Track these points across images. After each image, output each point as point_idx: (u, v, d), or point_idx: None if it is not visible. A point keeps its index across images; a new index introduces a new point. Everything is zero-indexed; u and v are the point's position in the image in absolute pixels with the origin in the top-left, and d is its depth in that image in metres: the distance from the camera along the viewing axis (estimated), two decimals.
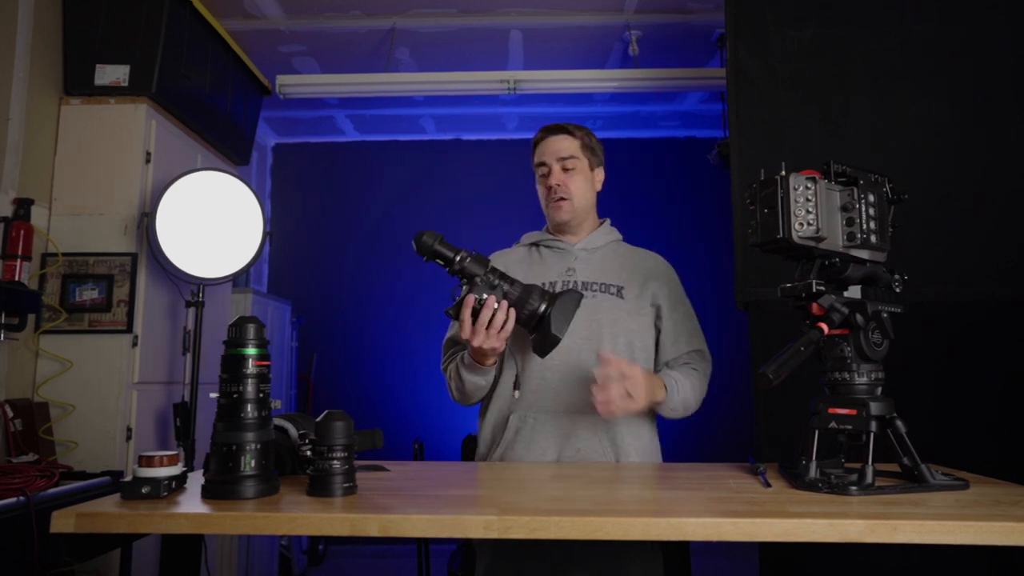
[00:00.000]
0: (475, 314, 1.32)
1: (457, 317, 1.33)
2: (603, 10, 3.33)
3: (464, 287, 1.32)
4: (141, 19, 2.55)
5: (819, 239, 1.12)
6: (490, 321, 1.31)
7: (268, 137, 4.89)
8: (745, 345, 2.17)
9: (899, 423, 1.14)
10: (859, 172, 1.19)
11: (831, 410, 1.16)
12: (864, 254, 1.18)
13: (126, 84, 2.52)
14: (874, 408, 1.12)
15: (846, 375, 1.17)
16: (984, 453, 1.95)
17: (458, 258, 1.31)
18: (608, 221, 1.73)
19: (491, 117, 4.59)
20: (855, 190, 1.15)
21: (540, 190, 1.66)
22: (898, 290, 1.21)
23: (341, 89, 3.50)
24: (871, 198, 1.16)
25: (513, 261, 1.67)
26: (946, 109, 2.20)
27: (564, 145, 1.64)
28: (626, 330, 1.55)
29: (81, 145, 2.51)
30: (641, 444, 1.53)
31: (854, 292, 1.19)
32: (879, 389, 1.17)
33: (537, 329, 1.33)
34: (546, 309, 1.30)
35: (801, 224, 1.11)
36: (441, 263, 1.32)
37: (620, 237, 1.72)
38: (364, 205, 4.88)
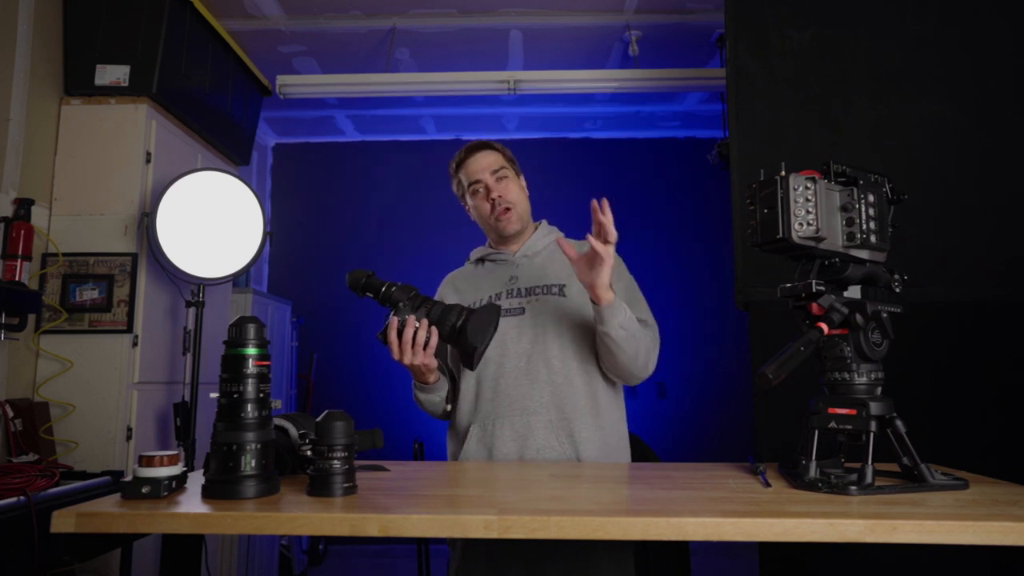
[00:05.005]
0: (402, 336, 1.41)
1: (386, 342, 1.41)
2: (603, 10, 3.33)
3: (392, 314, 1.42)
4: (141, 19, 2.55)
5: (819, 239, 1.12)
6: (413, 340, 1.38)
7: (268, 137, 4.89)
8: (745, 345, 2.17)
9: (899, 423, 1.14)
10: (859, 172, 1.19)
11: (831, 410, 1.16)
12: (864, 254, 1.18)
13: (126, 84, 2.53)
14: (874, 408, 1.12)
15: (846, 375, 1.17)
16: (984, 453, 1.95)
17: (383, 288, 1.42)
18: (545, 222, 1.75)
19: (491, 117, 4.59)
20: (855, 190, 1.15)
21: (480, 207, 1.66)
22: (898, 290, 1.21)
23: (341, 89, 3.50)
24: (871, 198, 1.17)
25: (462, 278, 1.72)
26: (946, 109, 2.20)
27: (491, 159, 1.66)
28: (571, 327, 1.56)
29: (81, 145, 2.51)
30: (600, 439, 1.53)
31: (854, 292, 1.19)
32: (879, 389, 1.17)
33: (457, 342, 1.42)
34: (463, 323, 1.40)
35: (801, 224, 1.11)
36: (371, 295, 1.43)
37: (560, 234, 1.73)
38: (364, 205, 4.88)
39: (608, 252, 1.35)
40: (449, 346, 1.62)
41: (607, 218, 1.34)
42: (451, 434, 1.65)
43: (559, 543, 1.30)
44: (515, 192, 1.66)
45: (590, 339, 1.57)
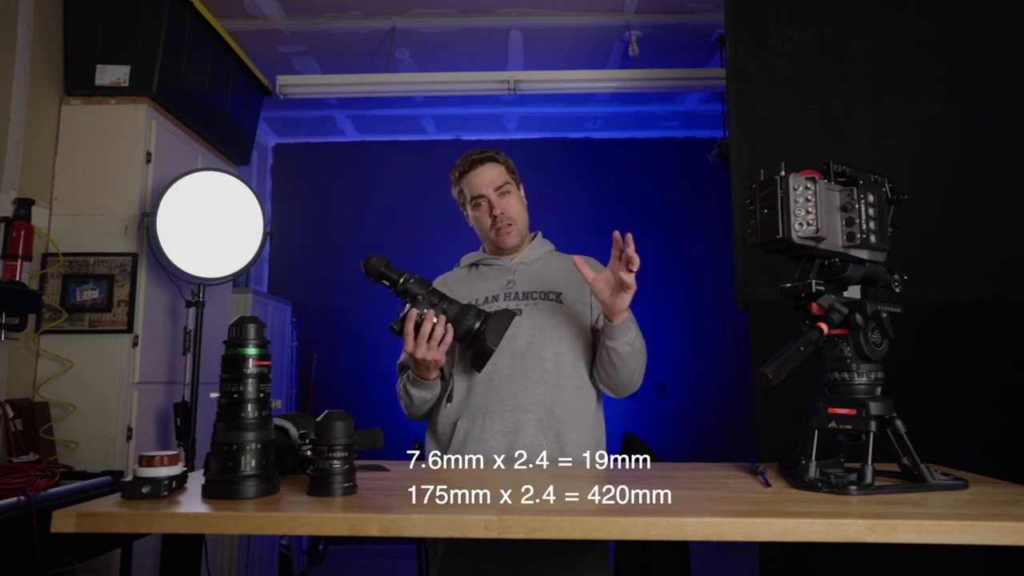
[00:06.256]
0: (418, 329, 1.42)
1: (401, 332, 1.43)
2: (603, 10, 3.33)
3: (407, 305, 1.43)
4: (142, 19, 2.55)
5: (819, 239, 1.12)
6: (430, 334, 1.41)
7: (268, 137, 4.89)
8: (745, 345, 2.17)
9: (898, 423, 1.14)
10: (859, 172, 1.19)
11: (831, 410, 1.16)
12: (864, 254, 1.18)
13: (126, 84, 2.53)
14: (873, 408, 1.12)
15: (845, 375, 1.17)
16: (984, 453, 1.95)
17: (401, 280, 1.43)
18: (540, 234, 1.79)
19: (491, 117, 4.59)
20: (855, 190, 1.15)
21: (481, 220, 1.69)
22: (898, 290, 1.21)
23: (341, 89, 3.50)
24: (871, 198, 1.17)
25: (455, 281, 1.73)
26: (946, 109, 2.20)
27: (495, 173, 1.67)
28: (568, 332, 1.60)
29: (82, 145, 2.51)
30: (584, 439, 1.56)
31: (854, 292, 1.19)
32: (879, 389, 1.17)
33: (473, 344, 1.44)
34: (480, 326, 1.42)
35: (801, 224, 1.11)
36: (387, 284, 1.44)
37: (553, 248, 1.78)
38: (364, 205, 4.88)
39: (633, 281, 1.40)
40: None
41: (631, 249, 1.38)
42: (432, 431, 1.65)
43: (540, 543, 1.30)
44: (516, 208, 1.69)
45: (584, 346, 1.61)
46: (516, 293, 1.64)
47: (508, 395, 1.55)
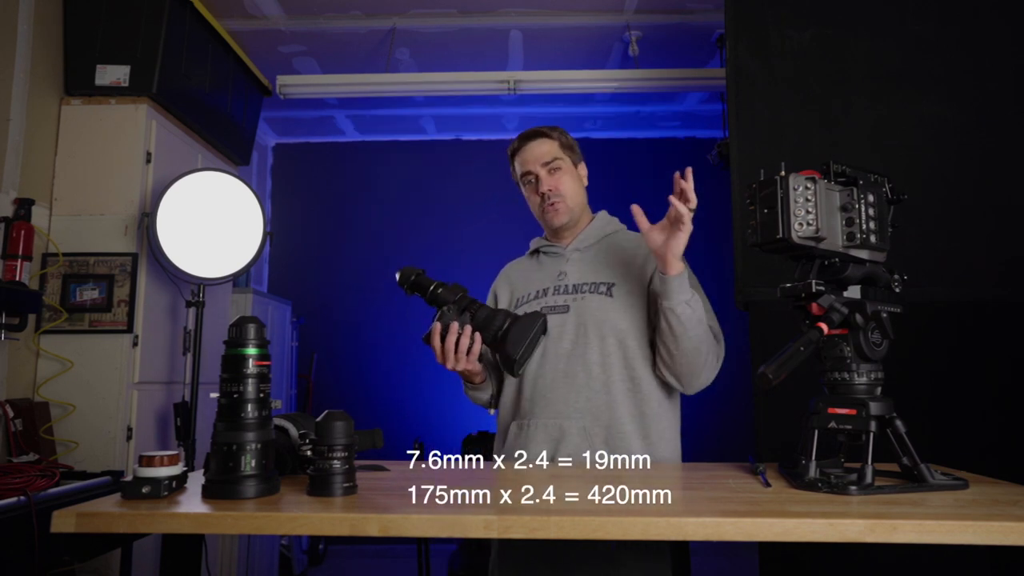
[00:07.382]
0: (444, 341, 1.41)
1: (430, 343, 1.41)
2: (603, 10, 3.33)
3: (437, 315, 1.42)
4: (142, 19, 2.55)
5: (819, 239, 1.12)
6: (456, 345, 1.39)
7: (268, 137, 4.89)
8: (745, 345, 2.17)
9: (898, 423, 1.14)
10: (859, 172, 1.19)
11: (831, 410, 1.16)
12: (864, 254, 1.18)
13: (127, 84, 2.53)
14: (873, 408, 1.12)
15: (845, 375, 1.17)
16: (984, 453, 1.95)
17: (431, 288, 1.42)
18: (604, 213, 1.70)
19: (491, 117, 4.59)
20: (855, 190, 1.15)
21: (532, 199, 1.63)
22: (898, 290, 1.21)
23: (341, 89, 3.50)
24: (871, 198, 1.16)
25: (516, 270, 1.70)
26: (946, 109, 2.20)
27: (545, 149, 1.60)
28: (615, 329, 1.50)
29: (82, 145, 2.51)
30: (643, 450, 1.46)
31: (854, 292, 1.19)
32: (879, 389, 1.17)
33: (499, 349, 1.42)
34: (505, 332, 1.40)
35: (801, 224, 1.11)
36: (420, 295, 1.44)
37: (619, 227, 1.68)
38: (364, 205, 4.88)
39: (688, 216, 1.30)
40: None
41: (689, 183, 1.29)
42: (497, 430, 1.64)
43: (587, 547, 1.29)
44: (568, 184, 1.59)
45: (637, 343, 1.50)
46: (566, 287, 1.56)
47: (551, 401, 1.48)
